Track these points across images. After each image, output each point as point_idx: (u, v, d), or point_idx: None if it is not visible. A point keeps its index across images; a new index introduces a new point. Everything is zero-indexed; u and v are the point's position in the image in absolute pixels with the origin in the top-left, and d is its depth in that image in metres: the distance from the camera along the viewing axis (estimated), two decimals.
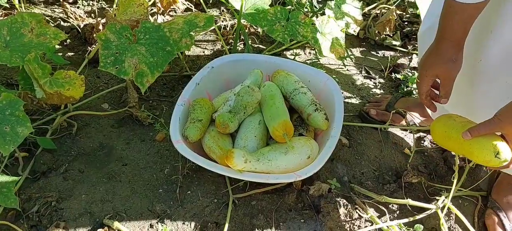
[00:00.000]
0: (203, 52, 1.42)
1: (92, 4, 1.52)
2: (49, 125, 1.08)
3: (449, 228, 0.99)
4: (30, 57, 0.98)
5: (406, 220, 0.97)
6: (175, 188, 0.99)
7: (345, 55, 1.25)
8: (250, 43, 1.35)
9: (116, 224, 0.89)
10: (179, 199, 0.98)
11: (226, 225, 0.92)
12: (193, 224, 0.93)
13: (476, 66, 0.86)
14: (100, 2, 1.53)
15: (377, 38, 1.50)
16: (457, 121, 0.83)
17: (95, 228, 0.89)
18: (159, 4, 1.29)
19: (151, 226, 0.92)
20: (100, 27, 1.35)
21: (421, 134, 1.20)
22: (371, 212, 0.97)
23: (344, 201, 0.97)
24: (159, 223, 0.92)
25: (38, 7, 1.50)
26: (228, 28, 1.46)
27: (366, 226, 0.94)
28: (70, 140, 1.08)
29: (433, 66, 0.85)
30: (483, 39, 0.84)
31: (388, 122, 1.13)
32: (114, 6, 1.36)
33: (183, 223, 0.94)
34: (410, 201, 0.96)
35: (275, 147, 0.94)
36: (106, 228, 0.89)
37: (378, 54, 1.50)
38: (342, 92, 1.30)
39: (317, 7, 1.41)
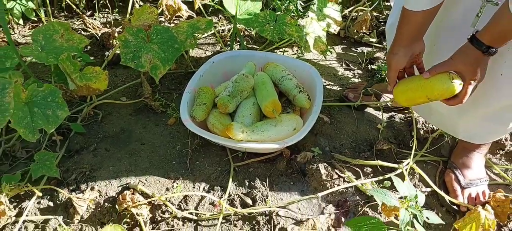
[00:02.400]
0: (205, 53, 1.64)
1: (107, 16, 1.74)
2: (78, 114, 1.29)
3: (414, 185, 1.19)
4: (63, 57, 1.20)
5: (376, 178, 1.17)
6: (185, 160, 1.20)
7: (326, 50, 1.46)
8: (245, 44, 1.56)
9: (140, 186, 1.09)
10: (189, 168, 1.18)
11: (229, 187, 1.13)
12: (202, 186, 1.14)
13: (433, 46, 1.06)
14: (114, 14, 1.75)
15: (355, 36, 1.72)
16: (413, 77, 1.01)
17: (122, 190, 1.10)
18: (166, 12, 1.52)
19: (167, 189, 1.13)
20: (116, 34, 1.57)
21: (392, 113, 1.40)
22: (348, 174, 1.18)
23: (326, 165, 1.18)
24: (173, 186, 1.13)
25: (59, 20, 1.72)
26: (225, 32, 1.68)
27: (344, 184, 1.15)
28: (96, 125, 1.29)
29: (388, 58, 1.04)
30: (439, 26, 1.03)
31: (359, 100, 1.34)
32: (128, 15, 1.59)
33: (193, 186, 1.14)
34: (379, 162, 1.17)
35: (266, 121, 1.15)
36: (131, 189, 1.09)
37: (357, 50, 1.71)
38: (325, 81, 1.52)
39: (302, 11, 1.63)
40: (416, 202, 0.81)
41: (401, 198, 0.84)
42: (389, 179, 1.17)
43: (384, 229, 0.81)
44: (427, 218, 0.81)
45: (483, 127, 1.12)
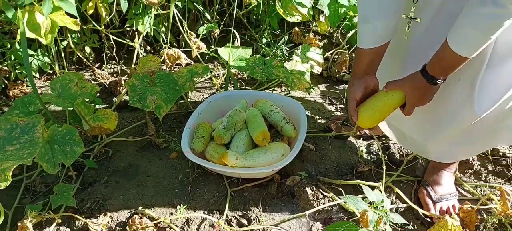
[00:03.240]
0: (202, 95, 1.82)
1: (114, 66, 1.94)
2: (91, 151, 1.45)
3: (391, 202, 1.33)
4: (78, 102, 1.37)
5: (357, 196, 1.31)
6: (187, 188, 1.34)
7: (310, 87, 1.65)
8: (238, 85, 1.75)
9: (147, 211, 1.23)
10: (190, 194, 1.32)
11: (226, 209, 1.27)
12: (202, 210, 1.28)
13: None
14: (120, 64, 1.95)
15: (337, 75, 1.92)
16: (368, 100, 1.13)
17: (131, 215, 1.24)
18: (167, 61, 1.71)
19: (171, 213, 1.26)
20: (122, 82, 1.76)
21: (371, 140, 1.57)
22: (332, 194, 1.32)
23: (312, 186, 1.32)
24: (177, 210, 1.27)
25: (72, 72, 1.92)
26: (220, 76, 1.87)
27: (329, 203, 1.29)
28: (107, 161, 1.44)
29: (347, 91, 1.21)
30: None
31: (332, 131, 1.51)
32: (133, 65, 1.78)
33: (195, 210, 1.28)
34: (359, 182, 1.32)
35: (257, 149, 1.31)
36: (140, 214, 1.23)
37: (339, 88, 1.90)
38: (311, 114, 1.69)
39: (287, 55, 1.84)
40: (383, 206, 0.95)
41: (370, 203, 0.98)
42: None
43: (358, 230, 0.95)
44: (392, 219, 0.95)
45: (451, 148, 1.28)
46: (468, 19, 0.90)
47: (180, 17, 1.85)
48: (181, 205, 1.28)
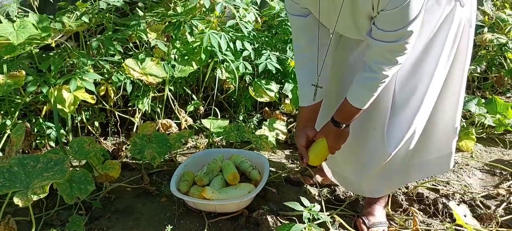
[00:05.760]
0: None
1: (117, 139, 2.37)
2: (97, 196, 1.81)
3: (335, 229, 1.69)
4: (91, 155, 1.78)
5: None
6: (174, 221, 1.69)
7: (274, 147, 2.09)
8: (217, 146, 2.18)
9: None
10: (176, 226, 1.67)
11: None
12: None
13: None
14: (121, 137, 2.38)
15: None
16: (312, 146, 1.55)
17: None
18: (161, 129, 2.16)
19: None
20: (123, 149, 2.18)
21: (323, 188, 1.96)
22: (288, 221, 1.68)
23: (273, 216, 1.69)
24: None
25: None
26: (203, 144, 2.30)
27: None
28: (110, 204, 1.80)
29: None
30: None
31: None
32: (134, 129, 2.22)
33: None
34: (309, 211, 1.69)
35: (229, 186, 1.71)
36: None
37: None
38: (275, 170, 2.10)
39: (257, 125, 2.30)
40: (313, 209, 1.34)
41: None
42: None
43: (301, 228, 1.32)
44: (319, 215, 1.33)
45: (378, 184, 1.68)
46: (356, 81, 1.37)
47: (173, 98, 2.34)
48: None
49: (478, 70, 2.86)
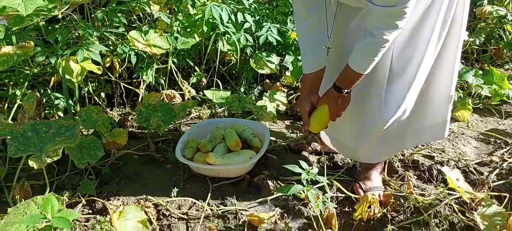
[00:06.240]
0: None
1: (122, 110, 2.44)
2: (106, 163, 1.89)
3: (333, 193, 1.77)
4: (99, 123, 1.86)
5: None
6: (180, 185, 1.78)
7: (274, 117, 2.15)
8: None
9: (149, 197, 1.66)
10: (181, 189, 1.76)
11: (208, 198, 1.70)
12: (190, 199, 1.70)
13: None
14: (127, 108, 2.45)
15: (298, 113, 2.43)
16: (314, 112, 1.59)
17: (138, 200, 1.66)
18: (165, 99, 2.22)
19: (167, 202, 1.69)
20: (129, 118, 2.25)
21: (320, 156, 2.03)
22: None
23: (273, 181, 1.77)
24: (171, 197, 1.69)
25: None
26: (206, 115, 2.37)
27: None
28: (118, 170, 1.88)
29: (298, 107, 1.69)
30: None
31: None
32: (139, 100, 2.29)
33: (184, 200, 1.70)
34: (307, 173, 1.76)
35: (232, 153, 1.78)
36: (144, 199, 1.65)
37: (299, 123, 2.40)
38: (276, 139, 2.17)
39: (258, 96, 2.36)
40: (311, 172, 1.41)
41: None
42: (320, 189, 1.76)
43: (300, 189, 1.40)
44: (317, 177, 1.40)
45: (375, 150, 1.75)
46: (358, 47, 1.43)
47: (176, 70, 2.39)
48: (175, 195, 1.71)
49: (477, 43, 2.89)
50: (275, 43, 2.41)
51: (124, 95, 2.42)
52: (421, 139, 1.83)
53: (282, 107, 2.35)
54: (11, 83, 2.08)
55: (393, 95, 1.59)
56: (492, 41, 3.04)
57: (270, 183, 1.75)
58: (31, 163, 1.42)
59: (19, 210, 1.29)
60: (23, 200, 1.44)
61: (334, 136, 1.88)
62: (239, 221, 1.62)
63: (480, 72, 2.56)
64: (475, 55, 3.10)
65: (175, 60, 2.39)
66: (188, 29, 2.29)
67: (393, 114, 1.60)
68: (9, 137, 1.53)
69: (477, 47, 2.99)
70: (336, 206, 1.70)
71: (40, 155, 1.44)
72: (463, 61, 2.86)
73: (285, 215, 1.67)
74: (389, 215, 1.67)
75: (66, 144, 1.44)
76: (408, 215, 1.68)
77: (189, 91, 2.35)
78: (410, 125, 1.71)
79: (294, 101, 2.53)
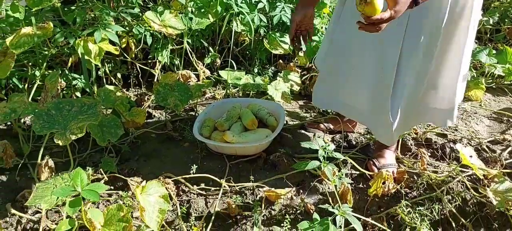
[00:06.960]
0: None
1: (138, 90, 2.48)
2: (125, 141, 1.94)
3: (348, 170, 1.80)
4: (118, 103, 1.90)
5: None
6: (198, 163, 1.82)
7: (289, 98, 2.18)
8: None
9: (168, 174, 1.71)
10: (199, 167, 1.80)
11: (226, 175, 1.74)
12: (208, 176, 1.75)
13: None
14: (143, 88, 2.49)
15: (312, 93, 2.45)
16: None
17: (158, 178, 1.71)
18: (181, 79, 2.25)
19: (185, 179, 1.74)
20: (146, 98, 2.29)
21: (334, 135, 2.06)
22: None
23: (289, 158, 1.81)
24: (190, 174, 1.74)
25: None
26: (221, 95, 2.41)
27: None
28: (137, 148, 1.93)
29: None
30: None
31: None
32: (155, 80, 2.33)
33: (203, 177, 1.75)
34: (324, 150, 1.79)
35: (248, 131, 1.82)
36: (162, 177, 1.70)
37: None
38: (290, 119, 2.20)
39: (272, 76, 2.39)
40: (328, 148, 1.45)
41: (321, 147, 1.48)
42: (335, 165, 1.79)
43: (317, 164, 1.43)
44: (334, 154, 1.44)
45: (392, 135, 1.75)
46: None
47: (191, 50, 2.42)
48: (194, 171, 1.75)
49: (491, 22, 2.87)
50: (288, 23, 2.42)
51: (140, 75, 2.45)
52: (431, 118, 1.81)
53: (296, 88, 2.37)
54: (30, 64, 2.12)
55: (402, 74, 1.57)
56: (506, 20, 3.02)
57: (285, 160, 1.79)
58: (57, 140, 1.46)
59: (47, 184, 1.35)
60: (48, 176, 1.49)
61: (348, 102, 1.82)
62: (256, 197, 1.67)
63: (494, 51, 2.56)
64: (488, 35, 3.08)
65: (189, 40, 2.42)
66: (203, 10, 2.31)
67: (402, 92, 1.58)
68: (32, 115, 1.58)
69: (490, 27, 2.97)
70: (351, 181, 1.74)
71: (64, 132, 1.49)
72: (476, 40, 2.85)
73: (301, 191, 1.71)
74: (403, 191, 1.70)
75: (89, 122, 1.49)
76: (421, 191, 1.71)
77: (203, 72, 2.38)
78: (428, 99, 1.69)
79: (307, 82, 2.55)
